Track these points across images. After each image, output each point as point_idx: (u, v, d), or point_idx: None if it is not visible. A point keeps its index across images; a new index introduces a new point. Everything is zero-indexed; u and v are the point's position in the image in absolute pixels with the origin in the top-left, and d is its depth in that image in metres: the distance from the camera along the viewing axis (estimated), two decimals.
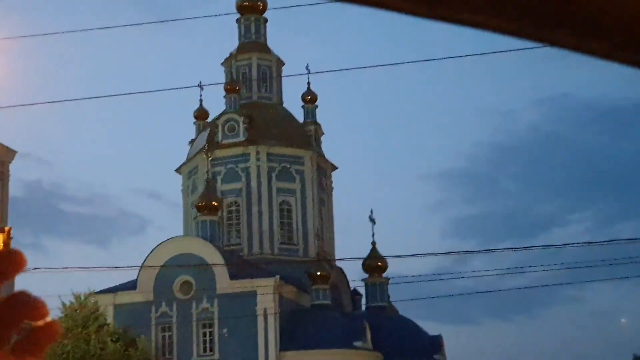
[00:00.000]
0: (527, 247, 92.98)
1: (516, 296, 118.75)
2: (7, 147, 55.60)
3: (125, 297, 58.32)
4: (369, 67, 74.89)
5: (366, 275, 64.93)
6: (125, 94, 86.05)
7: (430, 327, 69.06)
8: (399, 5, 1.11)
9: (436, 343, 62.37)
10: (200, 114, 72.53)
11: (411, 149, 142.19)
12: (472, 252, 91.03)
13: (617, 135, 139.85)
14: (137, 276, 58.58)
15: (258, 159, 67.52)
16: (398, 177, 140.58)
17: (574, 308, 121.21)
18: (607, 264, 55.40)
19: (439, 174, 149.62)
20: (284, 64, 73.05)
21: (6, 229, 32.37)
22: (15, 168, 60.40)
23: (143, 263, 57.97)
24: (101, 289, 57.04)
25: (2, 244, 33.94)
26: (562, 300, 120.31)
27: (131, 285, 58.83)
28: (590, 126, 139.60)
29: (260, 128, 68.00)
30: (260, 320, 57.50)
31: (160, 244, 60.11)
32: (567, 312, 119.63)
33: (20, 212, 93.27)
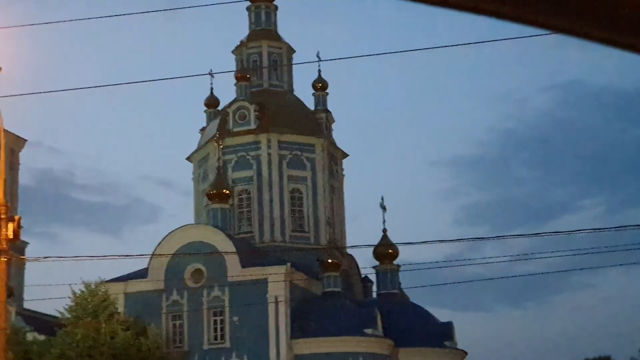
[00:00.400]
0: (537, 234, 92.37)
1: (527, 283, 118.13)
2: (16, 136, 55.34)
3: (136, 286, 58.04)
4: (380, 54, 74.23)
5: (377, 263, 64.50)
6: (136, 82, 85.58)
7: (441, 314, 69.01)
8: None
9: (447, 330, 62.15)
10: (211, 102, 71.82)
11: (422, 135, 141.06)
12: (482, 238, 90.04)
13: (628, 121, 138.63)
14: (148, 265, 58.24)
15: (269, 147, 66.96)
16: (409, 164, 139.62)
17: (585, 294, 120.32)
18: (618, 250, 54.73)
19: (450, 160, 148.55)
20: (294, 51, 72.42)
21: (16, 217, 31.92)
22: (25, 157, 60.18)
23: (154, 251, 57.66)
24: (112, 277, 56.90)
25: (12, 233, 33.51)
26: (573, 287, 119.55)
27: (142, 274, 58.52)
28: (601, 112, 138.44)
29: (271, 116, 67.45)
30: (271, 308, 57.16)
31: (171, 232, 59.73)
32: (578, 299, 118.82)
33: (31, 200, 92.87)
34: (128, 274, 58.79)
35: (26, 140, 57.09)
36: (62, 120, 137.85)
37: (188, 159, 71.54)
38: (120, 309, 53.34)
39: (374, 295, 66.07)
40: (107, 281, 53.65)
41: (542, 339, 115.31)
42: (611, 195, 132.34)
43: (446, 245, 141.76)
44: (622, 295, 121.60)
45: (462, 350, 62.86)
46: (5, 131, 51.76)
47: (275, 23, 72.61)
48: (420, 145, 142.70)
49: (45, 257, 39.45)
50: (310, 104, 71.50)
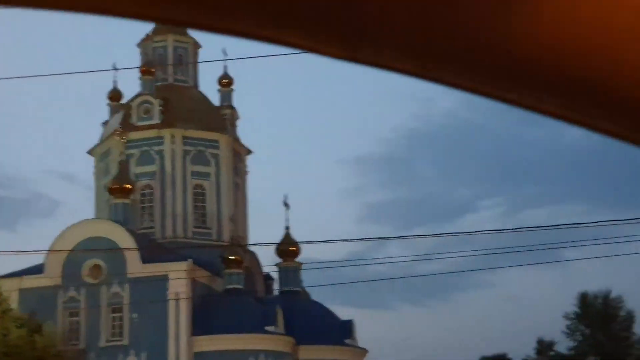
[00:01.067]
0: (440, 234, 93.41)
1: (429, 282, 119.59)
2: None
3: (31, 282, 56.38)
4: (287, 54, 73.16)
5: (279, 260, 64.32)
6: (39, 76, 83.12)
7: (343, 312, 69.18)
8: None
9: (347, 328, 62.33)
10: (115, 95, 70.15)
11: (328, 134, 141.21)
12: (386, 238, 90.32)
13: (529, 123, 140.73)
14: (45, 260, 56.84)
15: (173, 142, 66.04)
16: (314, 162, 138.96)
17: (485, 293, 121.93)
18: (517, 250, 55.81)
19: (355, 159, 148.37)
20: (200, 46, 71.49)
21: None
22: None
23: (50, 246, 55.81)
24: (6, 273, 55.32)
25: None
26: (474, 286, 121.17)
27: (38, 269, 57.02)
28: (504, 114, 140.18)
29: (175, 111, 66.46)
30: (171, 304, 56.33)
31: (69, 227, 58.24)
32: (479, 297, 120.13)
33: None
34: (23, 270, 57.06)
35: None
36: None
37: (90, 152, 69.90)
38: (14, 306, 51.83)
39: (276, 292, 65.86)
40: (0, 277, 52.18)
41: (442, 336, 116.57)
42: (511, 196, 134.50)
43: (349, 243, 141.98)
44: (520, 294, 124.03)
45: (362, 348, 63.08)
46: None
47: None
48: (326, 144, 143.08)
49: None
50: (215, 100, 70.99)
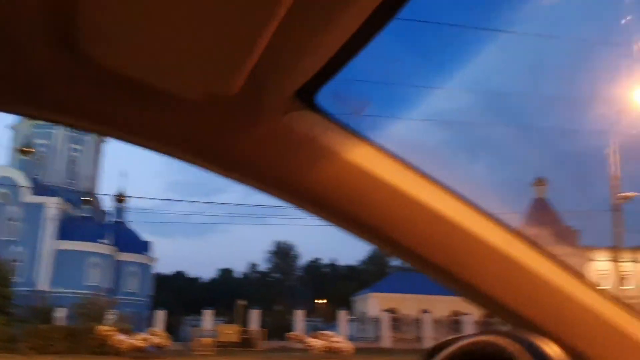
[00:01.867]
0: (206, 202, 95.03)
1: (196, 226, 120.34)
2: None
3: None
4: None
5: (115, 204, 63.73)
6: None
7: (146, 237, 69.15)
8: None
9: (148, 245, 62.06)
10: None
11: None
12: (174, 200, 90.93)
13: None
14: None
15: (63, 129, 62.77)
16: (142, 154, 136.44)
17: (226, 235, 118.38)
18: (243, 215, 59.99)
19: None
20: None
21: None
22: None
23: None
24: None
25: None
26: (220, 231, 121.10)
27: None
28: None
29: None
30: (47, 222, 54.79)
31: None
32: (222, 238, 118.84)
33: None
34: None
35: None
36: None
37: (11, 127, 66.13)
38: None
39: (111, 222, 62.91)
40: None
41: (199, 256, 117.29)
42: (245, 188, 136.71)
43: (155, 200, 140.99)
44: (246, 237, 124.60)
45: (154, 257, 63.08)
46: None
47: None
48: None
49: None
50: None
